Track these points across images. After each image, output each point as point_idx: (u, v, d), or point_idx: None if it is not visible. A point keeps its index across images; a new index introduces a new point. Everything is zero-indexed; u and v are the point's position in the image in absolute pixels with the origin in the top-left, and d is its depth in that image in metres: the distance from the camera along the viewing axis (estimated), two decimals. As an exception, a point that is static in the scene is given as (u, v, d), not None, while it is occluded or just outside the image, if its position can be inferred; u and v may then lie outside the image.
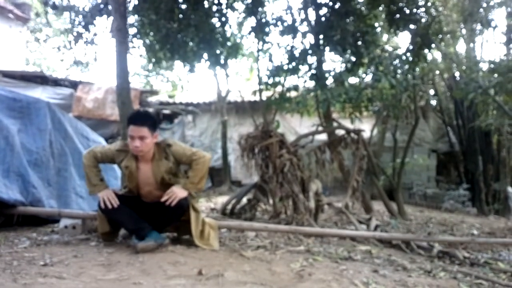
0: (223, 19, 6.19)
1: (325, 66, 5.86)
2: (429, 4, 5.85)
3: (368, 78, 5.83)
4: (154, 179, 3.17)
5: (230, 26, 6.42)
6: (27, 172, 4.04)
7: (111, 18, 5.35)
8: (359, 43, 5.77)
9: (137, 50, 6.66)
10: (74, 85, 7.72)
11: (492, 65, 6.97)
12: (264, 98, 6.09)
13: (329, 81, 5.80)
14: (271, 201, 5.05)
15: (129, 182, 3.22)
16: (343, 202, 5.11)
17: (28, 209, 3.89)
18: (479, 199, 9.07)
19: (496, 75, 6.49)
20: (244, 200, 5.53)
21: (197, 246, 3.22)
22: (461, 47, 9.33)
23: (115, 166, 5.46)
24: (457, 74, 9.11)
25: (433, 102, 10.37)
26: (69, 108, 7.24)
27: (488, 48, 16.23)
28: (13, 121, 4.21)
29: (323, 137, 6.42)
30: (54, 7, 5.89)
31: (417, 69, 6.36)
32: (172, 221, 3.22)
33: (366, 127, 7.10)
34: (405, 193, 9.17)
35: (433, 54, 8.06)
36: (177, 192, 3.06)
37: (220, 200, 7.07)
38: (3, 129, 4.03)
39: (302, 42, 6.04)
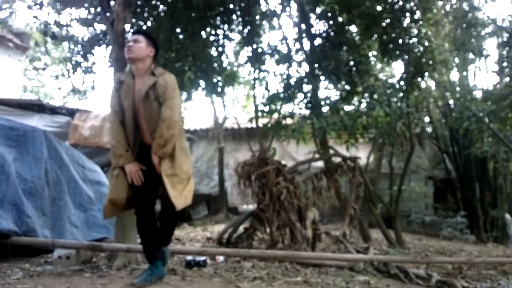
0: (220, 49, 6.32)
1: (320, 95, 5.95)
2: (421, 34, 5.98)
3: (363, 106, 5.90)
4: (141, 94, 2.94)
5: (227, 55, 6.54)
6: (22, 202, 4.01)
7: (110, 48, 5.43)
8: (353, 72, 5.87)
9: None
10: (71, 113, 7.73)
11: (485, 94, 7.10)
12: (260, 125, 6.14)
13: (325, 109, 5.87)
14: (268, 230, 5.01)
15: (125, 99, 2.97)
16: (340, 230, 5.08)
17: (22, 239, 3.84)
18: (477, 226, 9.01)
19: (489, 103, 6.59)
20: (241, 229, 5.48)
21: (192, 277, 3.17)
22: (454, 75, 9.51)
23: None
24: (451, 102, 9.23)
25: (429, 129, 10.46)
26: (66, 136, 7.22)
27: (481, 77, 16.53)
28: (9, 150, 4.22)
29: (319, 164, 6.44)
30: (54, 37, 5.99)
31: (411, 97, 6.44)
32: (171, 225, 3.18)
33: (362, 154, 7.13)
34: (403, 220, 9.11)
35: (427, 83, 8.20)
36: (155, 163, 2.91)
37: (217, 229, 7.00)
38: (-1, 158, 4.03)
39: (297, 71, 6.17)
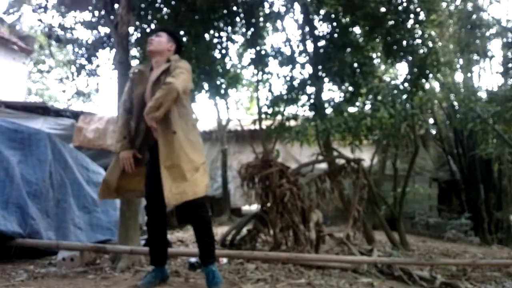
0: (224, 51, 6.33)
1: (324, 96, 5.95)
2: (425, 35, 5.96)
3: (367, 107, 5.89)
4: (153, 79, 2.93)
5: (230, 58, 6.55)
6: (26, 204, 4.03)
7: (114, 50, 5.45)
8: (357, 74, 5.86)
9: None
10: (75, 115, 7.78)
11: (490, 95, 7.06)
12: (264, 127, 6.14)
13: (328, 111, 5.86)
14: (271, 232, 5.00)
15: (137, 88, 2.98)
16: (344, 232, 5.06)
17: (26, 241, 3.86)
18: (481, 228, 8.96)
19: (494, 104, 6.56)
20: (244, 230, 5.47)
21: (196, 280, 3.16)
22: (458, 77, 9.47)
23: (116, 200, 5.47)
24: (455, 103, 9.20)
25: (433, 131, 10.42)
26: (70, 139, 7.26)
27: (486, 78, 16.44)
28: (13, 152, 4.24)
29: (323, 166, 6.42)
30: (58, 39, 6.01)
31: (415, 98, 6.42)
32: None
33: (366, 155, 7.11)
34: (407, 222, 9.07)
35: (431, 84, 8.17)
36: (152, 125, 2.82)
37: (220, 231, 6.98)
38: (3, 160, 4.06)
39: (301, 73, 6.15)
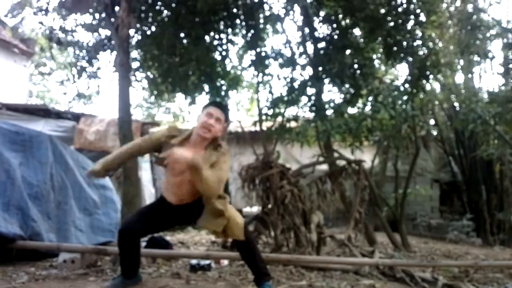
0: (224, 53, 6.33)
1: (324, 98, 5.93)
2: (426, 36, 5.96)
3: (368, 109, 5.89)
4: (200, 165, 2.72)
5: (230, 59, 6.55)
6: (27, 206, 4.03)
7: (115, 53, 5.46)
8: (357, 75, 5.86)
9: (140, 84, 6.77)
10: (76, 117, 7.80)
11: (490, 96, 7.06)
12: (264, 128, 6.13)
13: (329, 112, 5.86)
14: (272, 234, 4.99)
15: (171, 164, 2.84)
16: (345, 234, 5.05)
17: (27, 243, 3.86)
18: (483, 229, 8.93)
19: (495, 105, 6.56)
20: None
21: (196, 281, 3.16)
22: (459, 77, 9.46)
23: (116, 199, 5.48)
24: (456, 104, 9.19)
25: (434, 132, 10.41)
26: (71, 141, 7.28)
27: (486, 79, 16.42)
28: (14, 155, 4.24)
29: (324, 167, 6.41)
30: (59, 42, 6.03)
31: (416, 100, 6.41)
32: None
33: (367, 157, 7.10)
34: (408, 224, 9.06)
35: (432, 85, 8.16)
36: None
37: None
38: (5, 162, 4.06)
39: (301, 74, 6.15)
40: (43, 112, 7.63)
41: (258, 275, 2.83)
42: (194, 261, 3.80)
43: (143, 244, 4.24)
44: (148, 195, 7.50)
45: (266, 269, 2.90)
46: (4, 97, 9.38)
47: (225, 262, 4.13)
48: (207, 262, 3.81)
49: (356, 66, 5.89)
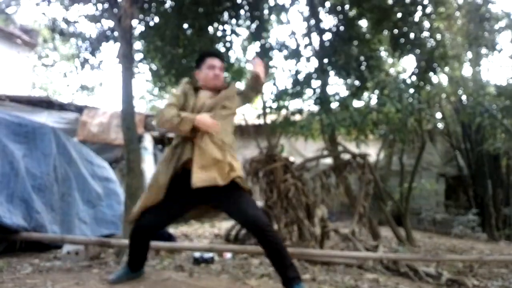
0: (228, 44, 6.27)
1: (329, 90, 5.87)
2: (433, 28, 5.86)
3: (373, 102, 5.82)
4: (215, 104, 2.81)
5: (234, 51, 6.50)
6: (31, 197, 4.04)
7: (117, 44, 5.42)
8: (363, 67, 5.79)
9: (143, 75, 6.74)
10: (79, 109, 7.79)
11: (498, 89, 6.96)
12: (268, 121, 6.09)
13: (334, 105, 5.80)
14: (276, 227, 4.97)
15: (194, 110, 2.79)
16: (349, 228, 5.02)
17: (31, 235, 3.87)
18: (489, 224, 8.88)
19: (502, 98, 6.47)
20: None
21: (199, 274, 3.13)
22: (467, 70, 9.35)
23: (119, 192, 5.47)
24: (463, 97, 9.09)
25: (440, 126, 10.31)
26: (74, 133, 7.28)
27: (494, 72, 16.24)
28: (18, 146, 4.24)
29: (328, 160, 6.37)
30: (62, 33, 5.99)
31: (423, 93, 6.34)
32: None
33: (372, 150, 7.04)
34: (413, 218, 9.01)
35: (439, 78, 8.07)
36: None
37: (224, 226, 6.98)
38: (8, 154, 4.06)
39: (306, 67, 6.09)
40: (46, 104, 7.63)
41: (288, 279, 2.56)
42: (197, 254, 3.79)
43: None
44: (152, 188, 7.49)
45: (296, 270, 2.63)
46: (7, 88, 9.38)
47: (228, 255, 4.12)
48: (210, 255, 3.80)
49: (362, 58, 5.82)
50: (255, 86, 3.00)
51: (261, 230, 2.54)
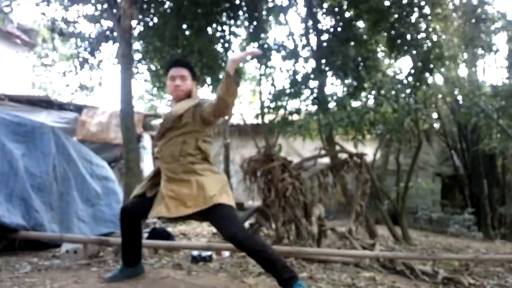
0: (226, 45, 6.31)
1: (327, 90, 5.92)
2: (430, 29, 5.91)
3: (370, 102, 5.87)
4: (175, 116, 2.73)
5: (233, 51, 6.52)
6: (30, 196, 4.05)
7: (117, 44, 5.45)
8: (361, 68, 5.83)
9: (142, 75, 6.76)
10: (79, 109, 7.81)
11: (494, 89, 7.02)
12: (266, 121, 6.13)
13: (331, 105, 5.84)
14: (273, 226, 5.01)
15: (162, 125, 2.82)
16: (346, 227, 5.06)
17: (30, 234, 3.89)
18: (485, 223, 8.94)
19: (498, 99, 6.52)
20: (247, 224, 5.48)
21: (198, 272, 3.17)
22: (463, 71, 9.41)
23: (118, 191, 5.50)
24: (459, 97, 9.14)
25: (437, 126, 10.37)
26: (73, 132, 7.30)
27: (490, 72, 16.32)
28: (17, 146, 4.25)
29: (326, 160, 6.41)
30: (61, 33, 6.01)
31: (419, 93, 6.38)
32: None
33: (369, 150, 7.09)
34: (410, 217, 9.06)
35: (435, 78, 8.12)
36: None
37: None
38: (7, 153, 4.07)
39: (304, 67, 6.13)
40: (46, 104, 7.64)
41: (283, 281, 2.56)
42: (195, 252, 3.82)
43: (145, 235, 4.27)
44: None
45: (290, 270, 2.62)
46: (6, 88, 9.38)
47: (226, 253, 4.15)
48: (209, 253, 3.83)
49: (359, 58, 5.86)
50: (225, 80, 2.47)
51: (240, 245, 2.56)
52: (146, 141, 7.85)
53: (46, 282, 2.76)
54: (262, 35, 6.28)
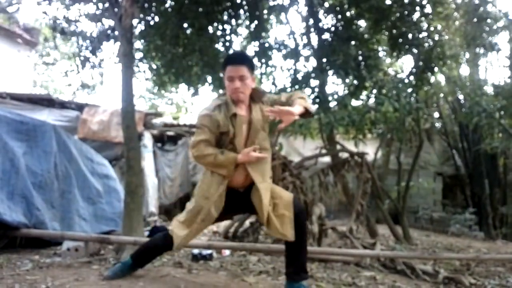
0: (227, 44, 6.30)
1: (328, 90, 5.91)
2: (431, 28, 5.90)
3: (371, 101, 5.86)
4: (254, 129, 2.55)
5: (234, 50, 6.52)
6: (32, 194, 4.06)
7: (118, 43, 5.45)
8: (362, 67, 5.82)
9: (143, 74, 6.76)
10: (80, 107, 7.83)
11: (496, 89, 7.01)
12: (267, 120, 6.11)
13: (332, 104, 5.84)
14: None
15: (237, 136, 2.53)
16: (347, 226, 5.07)
17: (31, 232, 3.90)
18: (486, 223, 8.94)
19: (500, 98, 6.51)
20: (247, 223, 5.49)
21: (198, 271, 3.17)
22: (464, 70, 9.40)
23: (119, 189, 5.50)
24: (461, 97, 9.13)
25: (438, 125, 10.36)
26: (75, 130, 7.31)
27: (492, 72, 16.26)
28: (19, 144, 4.27)
29: (326, 159, 6.41)
30: (63, 32, 6.01)
31: (420, 92, 6.37)
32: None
33: (370, 149, 7.09)
34: (411, 217, 9.07)
35: (437, 78, 8.10)
36: (291, 109, 2.40)
37: (223, 223, 7.01)
38: (9, 151, 4.09)
39: (305, 66, 6.13)
40: (47, 102, 7.66)
41: (298, 270, 2.53)
42: (196, 251, 3.83)
43: (146, 233, 4.28)
44: (151, 185, 7.54)
45: (306, 270, 2.59)
46: (8, 86, 9.40)
47: (227, 252, 4.16)
48: (209, 252, 3.84)
49: (360, 58, 5.86)
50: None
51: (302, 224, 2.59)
52: (147, 139, 7.86)
53: (47, 279, 2.76)
54: (263, 34, 6.28)
